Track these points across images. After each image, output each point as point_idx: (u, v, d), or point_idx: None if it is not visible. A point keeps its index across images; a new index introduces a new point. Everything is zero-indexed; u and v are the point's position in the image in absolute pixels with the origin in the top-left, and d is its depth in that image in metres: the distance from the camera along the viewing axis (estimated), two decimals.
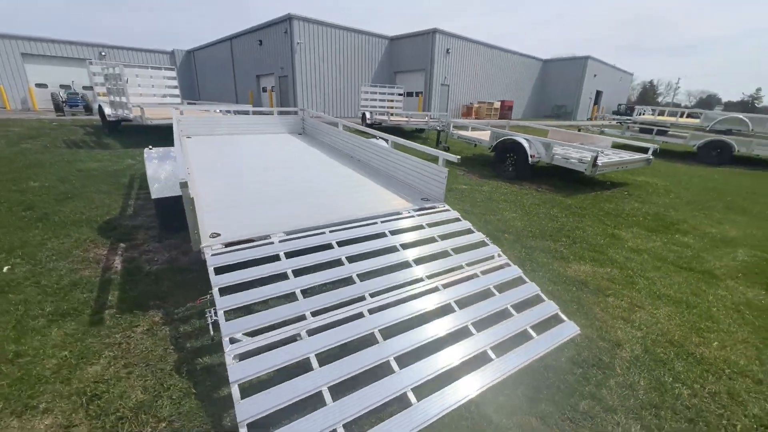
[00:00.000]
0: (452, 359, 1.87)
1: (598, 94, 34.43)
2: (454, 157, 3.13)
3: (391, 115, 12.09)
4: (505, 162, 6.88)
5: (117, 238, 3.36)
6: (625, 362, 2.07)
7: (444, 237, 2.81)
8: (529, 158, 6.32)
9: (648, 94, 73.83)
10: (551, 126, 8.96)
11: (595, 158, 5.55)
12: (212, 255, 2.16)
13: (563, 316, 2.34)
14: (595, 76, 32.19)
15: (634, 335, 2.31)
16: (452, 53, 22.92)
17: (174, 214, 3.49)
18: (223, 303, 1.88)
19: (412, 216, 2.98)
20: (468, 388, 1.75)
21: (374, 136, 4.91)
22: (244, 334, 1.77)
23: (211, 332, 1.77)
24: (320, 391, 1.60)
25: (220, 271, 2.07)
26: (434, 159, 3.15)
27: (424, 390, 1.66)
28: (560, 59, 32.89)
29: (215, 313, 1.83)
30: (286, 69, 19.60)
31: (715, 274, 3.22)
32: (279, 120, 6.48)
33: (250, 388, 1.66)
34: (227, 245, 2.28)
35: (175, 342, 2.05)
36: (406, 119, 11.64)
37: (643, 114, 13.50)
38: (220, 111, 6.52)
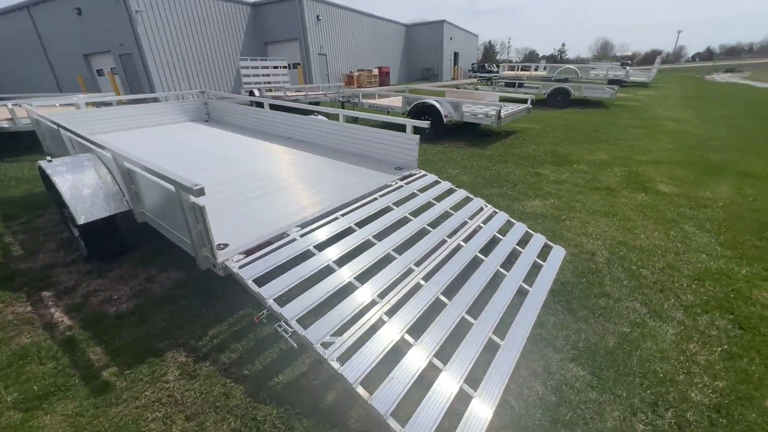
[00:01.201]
0: (506, 298, 2.12)
1: (456, 55, 38.28)
2: (425, 124, 3.25)
3: (285, 90, 11.24)
4: None
5: (30, 287, 2.49)
6: (605, 265, 2.69)
7: (438, 199, 2.99)
8: (444, 118, 6.87)
9: (489, 53, 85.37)
10: (438, 87, 9.76)
11: (499, 112, 6.41)
12: (240, 267, 1.88)
13: (551, 243, 2.84)
14: (451, 38, 35.49)
15: (598, 244, 2.98)
16: (323, 20, 22.07)
17: (109, 239, 2.78)
18: (291, 312, 1.70)
19: (401, 186, 3.05)
20: (530, 315, 2.05)
21: (313, 113, 4.63)
22: (331, 335, 1.66)
23: (294, 345, 1.61)
24: (431, 361, 1.66)
25: (260, 282, 1.83)
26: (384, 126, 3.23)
27: (501, 327, 1.87)
28: (420, 24, 35.01)
29: (288, 324, 1.65)
30: (129, 45, 15.92)
31: (612, 188, 4.27)
32: (174, 107, 5.45)
33: (367, 383, 1.59)
34: (247, 253, 2.00)
35: (227, 373, 1.77)
36: (304, 93, 11.00)
37: (505, 70, 15.78)
38: (85, 103, 5.04)
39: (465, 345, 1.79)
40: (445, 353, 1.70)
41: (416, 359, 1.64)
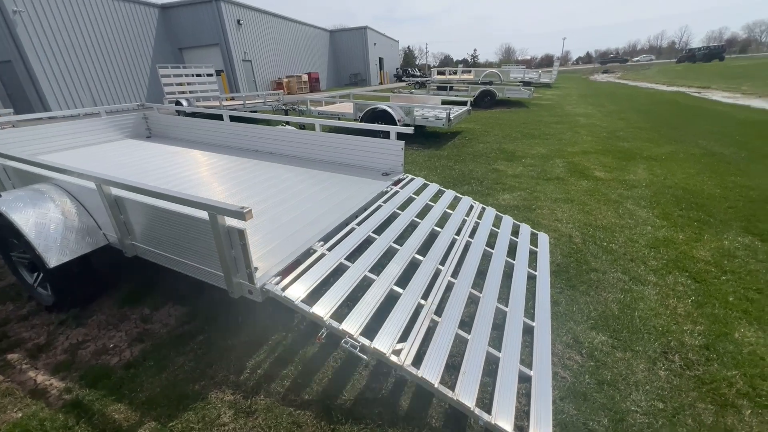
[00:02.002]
0: (521, 284, 2.36)
1: (381, 60, 39.36)
2: (408, 130, 3.39)
3: (220, 100, 10.48)
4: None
5: None
6: (583, 244, 3.10)
7: (433, 201, 3.15)
8: (397, 123, 7.09)
9: (409, 58, 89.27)
10: (374, 92, 10.05)
11: (449, 114, 6.84)
12: (283, 290, 1.80)
13: (535, 231, 3.19)
14: (375, 44, 36.40)
15: (570, 227, 3.41)
16: (245, 25, 21.00)
17: (82, 281, 2.40)
18: (352, 327, 1.69)
19: (398, 191, 3.14)
20: (545, 296, 2.31)
21: (282, 123, 4.47)
22: (397, 342, 1.69)
23: (365, 358, 1.60)
24: (488, 350, 1.79)
25: (307, 302, 1.77)
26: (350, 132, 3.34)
27: (528, 311, 2.09)
28: (343, 30, 35.27)
29: (354, 339, 1.64)
30: (6, 51, 13.34)
31: (562, 178, 4.89)
32: (107, 123, 4.81)
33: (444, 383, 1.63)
34: (281, 275, 1.92)
35: (288, 402, 1.67)
36: (242, 102, 10.38)
37: (434, 75, 16.73)
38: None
39: (508, 331, 1.96)
40: (494, 341, 1.84)
41: (477, 351, 1.76)
